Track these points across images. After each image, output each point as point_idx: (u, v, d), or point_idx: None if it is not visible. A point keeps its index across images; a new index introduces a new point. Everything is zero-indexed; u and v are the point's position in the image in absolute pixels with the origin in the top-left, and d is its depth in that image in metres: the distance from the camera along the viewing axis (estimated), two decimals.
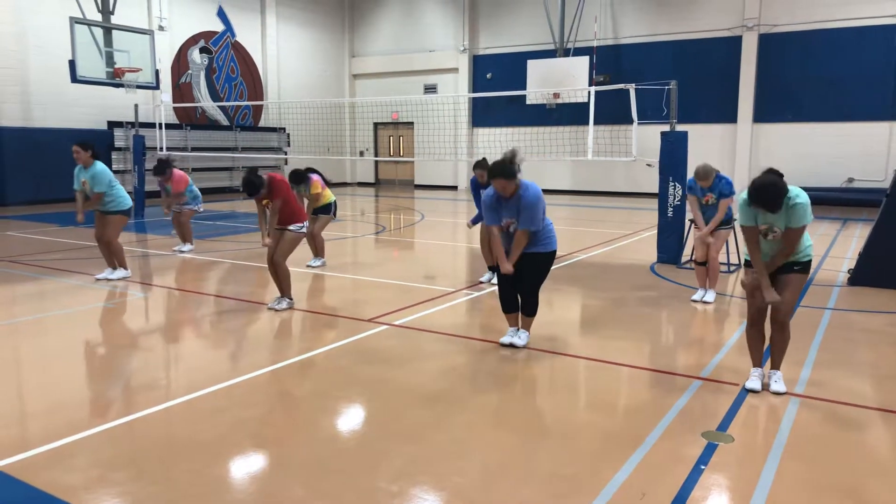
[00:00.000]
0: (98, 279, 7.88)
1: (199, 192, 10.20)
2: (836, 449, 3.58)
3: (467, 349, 5.34)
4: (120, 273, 8.00)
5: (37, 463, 3.36)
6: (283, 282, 6.59)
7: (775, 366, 4.46)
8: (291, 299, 6.64)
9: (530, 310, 5.38)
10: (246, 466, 3.40)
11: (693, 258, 7.41)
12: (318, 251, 8.99)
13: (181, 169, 10.19)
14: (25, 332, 5.87)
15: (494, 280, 7.49)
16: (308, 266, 8.77)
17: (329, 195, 8.83)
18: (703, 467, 3.34)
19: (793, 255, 4.28)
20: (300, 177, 8.51)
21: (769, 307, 4.38)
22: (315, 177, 8.66)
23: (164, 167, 9.65)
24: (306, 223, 6.75)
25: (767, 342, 4.52)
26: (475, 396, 4.42)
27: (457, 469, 3.35)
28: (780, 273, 4.31)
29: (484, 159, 7.51)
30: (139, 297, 7.27)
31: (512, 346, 5.32)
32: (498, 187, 5.02)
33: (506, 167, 4.96)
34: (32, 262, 9.05)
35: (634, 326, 6.09)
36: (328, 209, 8.87)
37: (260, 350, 5.48)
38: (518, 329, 5.45)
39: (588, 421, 4.00)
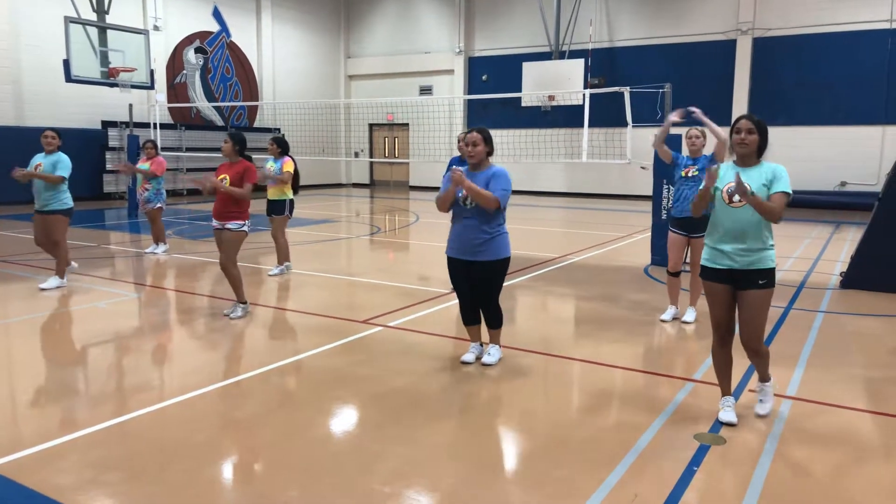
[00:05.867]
0: (42, 288, 7.27)
1: (164, 193, 9.98)
2: (827, 451, 3.60)
3: (461, 351, 5.33)
4: (55, 282, 7.33)
5: (28, 463, 3.35)
6: (236, 287, 6.31)
7: (763, 378, 4.08)
8: (246, 303, 6.39)
9: (493, 322, 5.02)
10: (240, 468, 3.40)
11: (667, 268, 6.37)
12: (281, 257, 8.34)
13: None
14: (17, 331, 5.84)
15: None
16: (269, 275, 8.23)
17: (289, 189, 8.21)
18: (695, 469, 3.36)
19: (755, 262, 3.74)
20: (285, 145, 8.24)
21: (736, 323, 3.91)
22: (289, 158, 8.25)
23: (154, 144, 10.07)
24: (248, 222, 6.33)
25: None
26: (469, 398, 4.43)
27: (450, 470, 3.36)
28: (743, 289, 3.81)
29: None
30: (131, 297, 7.25)
31: (473, 363, 5.00)
32: (469, 140, 4.77)
33: (486, 129, 4.86)
34: (25, 261, 9.01)
35: (627, 329, 6.11)
36: (283, 207, 8.21)
37: (253, 351, 5.48)
38: (480, 344, 5.14)
39: (581, 422, 4.01)
